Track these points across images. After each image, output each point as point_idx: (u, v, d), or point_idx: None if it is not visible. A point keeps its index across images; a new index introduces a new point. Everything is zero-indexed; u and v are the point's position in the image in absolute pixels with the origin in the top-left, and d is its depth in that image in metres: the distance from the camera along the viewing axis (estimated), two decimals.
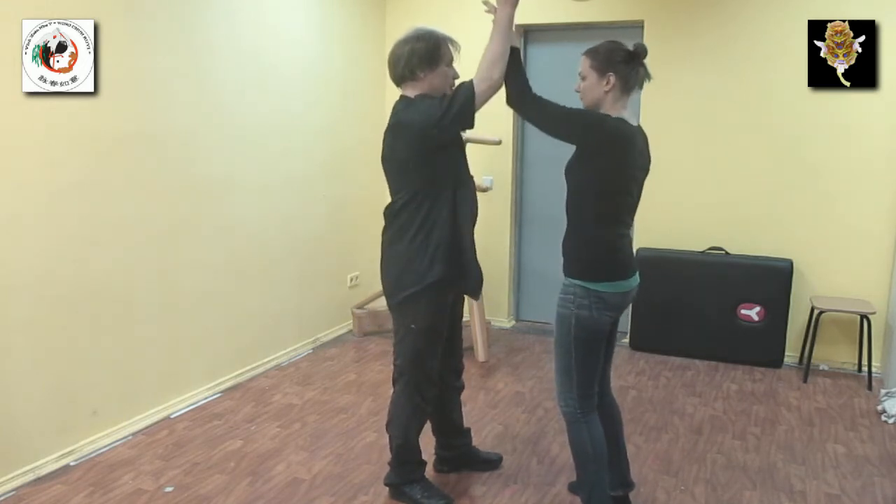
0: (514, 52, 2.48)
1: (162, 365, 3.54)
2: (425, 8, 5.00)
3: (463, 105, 2.44)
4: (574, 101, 2.43)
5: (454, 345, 2.85)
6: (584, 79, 2.39)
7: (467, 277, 2.70)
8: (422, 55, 2.54)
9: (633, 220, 2.51)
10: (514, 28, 2.50)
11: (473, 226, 2.72)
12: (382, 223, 2.69)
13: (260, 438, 3.35)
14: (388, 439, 2.82)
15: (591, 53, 2.38)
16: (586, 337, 2.39)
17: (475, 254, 2.75)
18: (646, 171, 2.47)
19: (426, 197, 2.54)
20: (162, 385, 3.55)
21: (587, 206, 2.38)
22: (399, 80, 2.61)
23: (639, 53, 2.35)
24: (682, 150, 4.56)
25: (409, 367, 2.68)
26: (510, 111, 4.83)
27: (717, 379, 4.19)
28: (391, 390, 2.80)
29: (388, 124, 2.61)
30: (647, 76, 2.41)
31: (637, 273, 2.49)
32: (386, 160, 2.64)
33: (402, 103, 2.58)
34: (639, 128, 2.42)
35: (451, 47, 2.61)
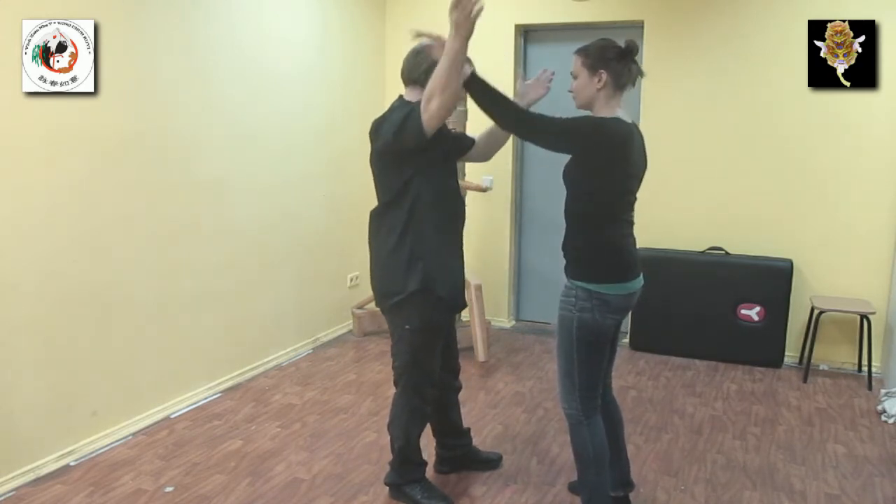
0: (475, 80, 2.34)
1: (162, 365, 3.54)
2: (425, 9, 5.00)
3: (409, 131, 2.44)
4: (570, 104, 2.44)
5: (450, 345, 2.85)
6: (575, 77, 2.39)
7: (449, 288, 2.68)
8: None
9: (633, 218, 2.49)
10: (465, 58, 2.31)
11: (461, 230, 2.73)
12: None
13: (260, 438, 3.35)
14: (388, 439, 2.82)
15: (582, 52, 2.37)
16: (589, 340, 2.38)
17: (461, 262, 2.75)
18: (644, 168, 2.47)
19: (404, 201, 2.55)
20: (162, 385, 3.55)
21: (588, 208, 2.37)
22: (412, 81, 2.61)
23: (631, 50, 2.33)
24: (682, 150, 4.56)
25: (407, 368, 2.68)
26: None
27: (717, 379, 4.19)
28: (391, 390, 2.80)
29: (376, 121, 2.63)
30: (640, 73, 2.41)
31: (641, 274, 2.48)
32: (371, 159, 2.67)
33: (397, 105, 2.60)
34: (634, 125, 2.41)
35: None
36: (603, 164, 2.30)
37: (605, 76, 2.32)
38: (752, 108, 4.38)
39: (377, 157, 2.61)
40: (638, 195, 2.48)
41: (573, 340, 2.38)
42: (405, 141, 2.46)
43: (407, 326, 2.61)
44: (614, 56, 2.32)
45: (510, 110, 2.36)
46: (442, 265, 2.61)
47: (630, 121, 2.39)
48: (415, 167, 2.53)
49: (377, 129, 2.59)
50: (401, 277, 2.57)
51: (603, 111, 2.35)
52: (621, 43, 2.34)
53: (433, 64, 2.45)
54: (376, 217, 2.67)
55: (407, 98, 2.60)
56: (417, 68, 2.56)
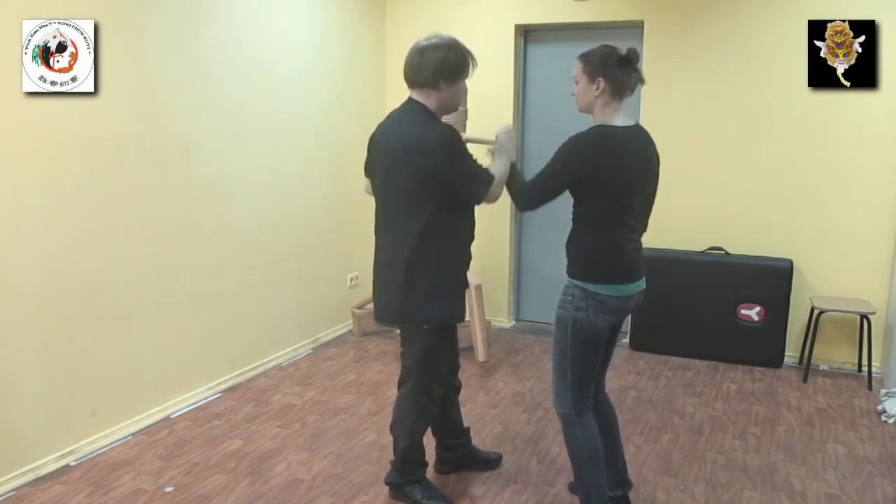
0: (512, 166, 2.65)
1: (162, 365, 3.54)
2: (425, 9, 5.00)
3: (472, 186, 2.54)
4: (572, 104, 2.46)
5: (452, 342, 2.85)
6: (577, 82, 2.41)
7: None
8: (451, 67, 2.48)
9: (641, 224, 2.48)
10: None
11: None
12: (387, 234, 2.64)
13: (260, 438, 3.35)
14: (389, 439, 2.82)
15: (583, 58, 2.40)
16: (583, 339, 2.40)
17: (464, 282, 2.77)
18: (651, 172, 2.45)
19: (441, 223, 2.52)
20: (162, 385, 3.55)
21: (586, 209, 2.38)
22: (418, 84, 2.51)
23: (630, 58, 2.35)
24: (682, 151, 4.55)
25: (420, 367, 2.66)
26: (510, 111, 4.87)
27: (717, 379, 4.19)
28: (391, 390, 2.80)
29: (398, 143, 2.51)
30: (641, 81, 2.42)
31: (643, 279, 2.47)
32: (398, 179, 2.53)
33: (418, 121, 2.51)
34: (637, 128, 2.41)
35: (471, 63, 2.56)
36: (591, 173, 2.31)
37: (602, 84, 2.34)
38: (752, 108, 4.38)
39: (421, 177, 2.46)
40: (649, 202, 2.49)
41: (567, 339, 2.41)
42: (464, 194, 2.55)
43: (425, 326, 2.60)
44: (615, 63, 2.34)
45: (522, 189, 2.55)
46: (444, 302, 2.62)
47: (631, 123, 2.39)
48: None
49: (420, 149, 2.45)
50: (416, 306, 2.57)
51: (600, 116, 2.38)
52: (623, 50, 2.35)
53: (440, 65, 2.46)
54: (420, 240, 2.52)
55: (416, 99, 2.53)
56: (423, 70, 2.48)
